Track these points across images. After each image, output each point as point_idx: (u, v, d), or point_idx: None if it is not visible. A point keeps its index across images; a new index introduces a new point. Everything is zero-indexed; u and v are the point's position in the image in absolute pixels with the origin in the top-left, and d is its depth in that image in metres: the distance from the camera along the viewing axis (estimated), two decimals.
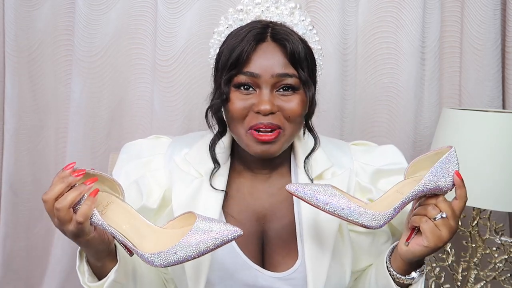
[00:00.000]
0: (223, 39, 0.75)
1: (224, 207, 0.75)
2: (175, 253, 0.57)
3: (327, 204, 0.60)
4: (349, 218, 0.60)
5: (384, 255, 0.71)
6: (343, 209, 0.60)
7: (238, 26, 0.74)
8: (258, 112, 0.68)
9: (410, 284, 0.68)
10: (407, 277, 0.67)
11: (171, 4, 1.21)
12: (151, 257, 0.57)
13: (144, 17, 1.25)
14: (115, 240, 0.64)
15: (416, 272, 0.67)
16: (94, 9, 1.22)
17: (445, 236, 0.61)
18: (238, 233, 0.58)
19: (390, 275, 0.68)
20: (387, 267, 0.69)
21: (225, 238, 0.58)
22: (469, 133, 1.00)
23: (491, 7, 1.22)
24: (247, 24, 0.73)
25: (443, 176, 0.63)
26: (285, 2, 0.75)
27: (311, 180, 0.76)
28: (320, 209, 0.61)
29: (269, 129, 0.68)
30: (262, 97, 0.68)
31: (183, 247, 0.57)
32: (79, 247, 0.65)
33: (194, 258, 0.58)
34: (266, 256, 0.75)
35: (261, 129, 0.68)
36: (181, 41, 1.21)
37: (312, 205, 0.61)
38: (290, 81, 0.69)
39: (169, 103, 1.23)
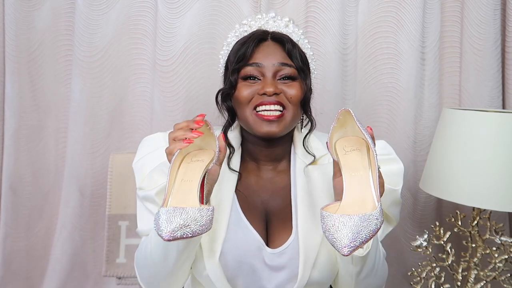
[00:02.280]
0: (231, 48, 0.86)
1: (236, 187, 0.84)
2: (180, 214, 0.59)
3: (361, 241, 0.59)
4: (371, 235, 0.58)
5: None
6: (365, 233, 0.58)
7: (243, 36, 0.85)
8: (263, 94, 0.77)
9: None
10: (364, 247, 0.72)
11: (171, 4, 1.21)
12: (162, 211, 0.59)
13: (144, 17, 1.25)
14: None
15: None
16: (94, 10, 1.23)
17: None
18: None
19: None
20: None
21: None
22: (469, 133, 1.00)
23: (491, 7, 1.22)
24: (250, 32, 0.85)
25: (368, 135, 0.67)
26: (281, 18, 0.87)
27: (313, 156, 0.85)
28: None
29: (273, 106, 0.77)
30: (266, 81, 0.78)
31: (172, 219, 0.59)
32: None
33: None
34: (269, 233, 0.82)
35: (266, 106, 0.77)
36: (181, 41, 1.22)
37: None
38: (288, 70, 0.80)
39: (169, 103, 1.23)
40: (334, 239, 0.58)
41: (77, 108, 1.25)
